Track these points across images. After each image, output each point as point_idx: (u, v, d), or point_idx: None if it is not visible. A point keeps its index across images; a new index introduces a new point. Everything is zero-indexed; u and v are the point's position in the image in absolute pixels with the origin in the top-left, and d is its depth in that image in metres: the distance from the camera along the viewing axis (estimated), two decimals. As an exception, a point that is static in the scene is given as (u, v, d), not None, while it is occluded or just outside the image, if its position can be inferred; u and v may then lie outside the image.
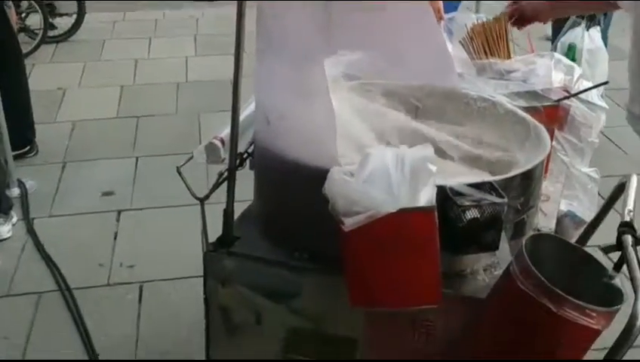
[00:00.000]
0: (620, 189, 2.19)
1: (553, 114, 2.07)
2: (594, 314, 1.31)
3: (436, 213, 1.45)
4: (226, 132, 1.75)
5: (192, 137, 4.19)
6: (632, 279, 1.65)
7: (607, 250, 1.91)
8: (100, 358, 2.61)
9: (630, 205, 1.98)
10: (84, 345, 2.67)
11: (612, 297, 1.39)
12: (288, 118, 1.62)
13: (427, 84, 2.13)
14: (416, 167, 1.45)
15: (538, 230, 1.84)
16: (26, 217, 3.52)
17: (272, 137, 1.67)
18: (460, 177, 1.63)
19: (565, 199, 2.24)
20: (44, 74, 5.31)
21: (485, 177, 1.66)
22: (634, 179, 2.11)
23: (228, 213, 1.72)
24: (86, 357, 2.62)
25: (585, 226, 2.30)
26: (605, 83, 2.07)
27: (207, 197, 1.73)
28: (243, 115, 1.89)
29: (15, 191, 3.72)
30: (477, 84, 2.18)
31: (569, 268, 1.45)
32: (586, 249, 2.10)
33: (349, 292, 1.52)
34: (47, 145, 4.22)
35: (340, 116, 1.61)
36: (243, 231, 1.78)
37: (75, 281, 3.03)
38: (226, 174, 1.72)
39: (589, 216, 2.28)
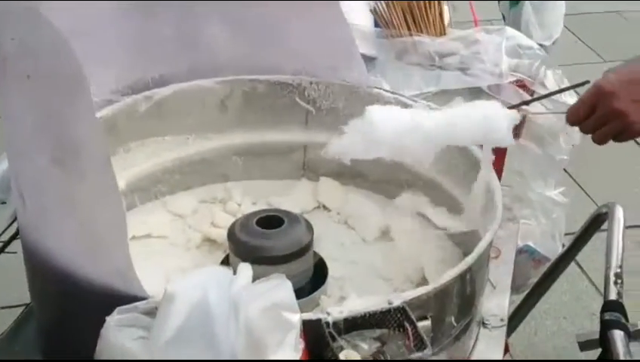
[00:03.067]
0: (596, 222, 1.57)
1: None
2: None
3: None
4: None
5: None
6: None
7: (586, 345, 1.30)
8: None
9: (615, 260, 1.36)
10: None
11: None
12: (47, 197, 0.92)
13: (321, 78, 1.44)
14: (264, 318, 0.79)
15: (484, 323, 1.21)
16: None
17: (32, 226, 0.97)
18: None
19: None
20: None
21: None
22: (619, 212, 1.48)
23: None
24: None
25: (548, 265, 1.69)
26: (586, 83, 1.40)
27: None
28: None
29: None
30: (396, 74, 1.50)
31: None
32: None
33: None
34: None
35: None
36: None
37: None
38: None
39: (553, 251, 1.66)
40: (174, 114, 1.41)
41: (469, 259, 1.00)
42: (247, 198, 1.45)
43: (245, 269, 0.83)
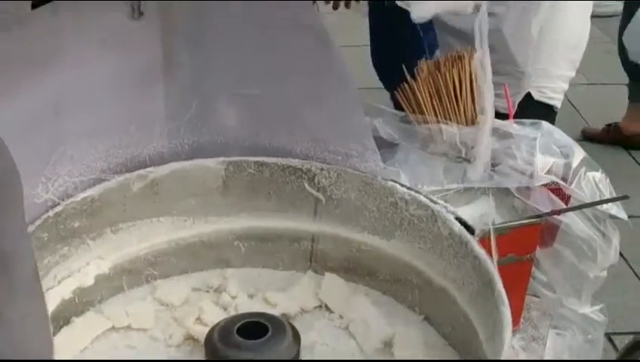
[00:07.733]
0: (635, 349, 1.39)
1: (532, 235, 1.25)
2: None
3: None
4: None
5: None
6: None
7: None
8: None
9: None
10: None
11: None
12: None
13: (333, 164, 1.32)
14: None
15: None
16: None
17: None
18: None
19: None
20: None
21: None
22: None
23: None
24: None
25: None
26: (625, 198, 1.24)
27: None
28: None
29: None
30: (417, 165, 1.37)
31: None
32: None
33: None
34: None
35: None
36: None
37: None
38: None
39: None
40: (171, 194, 1.31)
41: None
42: (243, 290, 1.33)
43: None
